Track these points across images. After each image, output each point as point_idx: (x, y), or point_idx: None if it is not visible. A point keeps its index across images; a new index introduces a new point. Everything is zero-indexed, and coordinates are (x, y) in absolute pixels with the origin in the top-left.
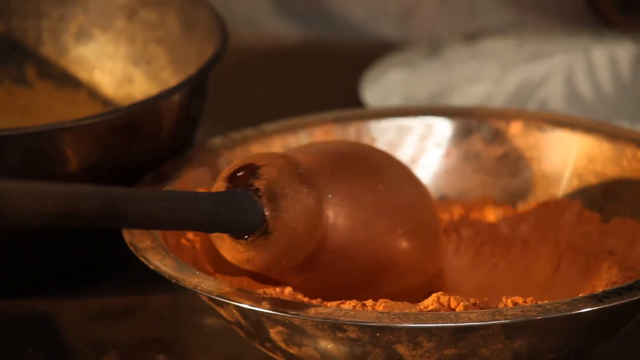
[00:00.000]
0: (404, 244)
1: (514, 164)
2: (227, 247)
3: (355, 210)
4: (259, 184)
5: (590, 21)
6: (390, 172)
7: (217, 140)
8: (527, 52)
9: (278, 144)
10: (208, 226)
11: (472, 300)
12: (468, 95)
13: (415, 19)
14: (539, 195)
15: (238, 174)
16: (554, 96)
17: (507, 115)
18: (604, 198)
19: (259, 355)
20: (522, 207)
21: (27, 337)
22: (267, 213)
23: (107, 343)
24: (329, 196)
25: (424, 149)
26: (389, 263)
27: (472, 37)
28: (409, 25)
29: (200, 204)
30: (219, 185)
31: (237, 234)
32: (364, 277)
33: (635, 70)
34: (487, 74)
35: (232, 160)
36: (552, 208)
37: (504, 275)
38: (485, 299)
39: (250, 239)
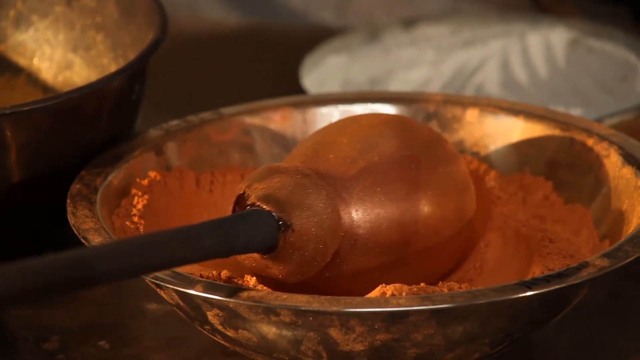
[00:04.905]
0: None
1: (467, 150)
2: (249, 263)
3: (375, 207)
4: (268, 207)
5: (525, 7)
6: (419, 151)
7: (173, 123)
8: (464, 37)
9: (235, 127)
10: (230, 253)
11: (413, 287)
12: (406, 80)
13: (353, 5)
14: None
15: (245, 199)
16: (490, 81)
17: (463, 102)
18: (555, 185)
19: (201, 340)
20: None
21: None
22: (281, 229)
23: (49, 329)
24: (348, 201)
25: None
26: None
27: (409, 23)
28: (347, 11)
29: (208, 237)
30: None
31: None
32: (395, 263)
33: (569, 55)
34: (425, 59)
35: (186, 143)
36: (523, 185)
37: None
38: (422, 284)
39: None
